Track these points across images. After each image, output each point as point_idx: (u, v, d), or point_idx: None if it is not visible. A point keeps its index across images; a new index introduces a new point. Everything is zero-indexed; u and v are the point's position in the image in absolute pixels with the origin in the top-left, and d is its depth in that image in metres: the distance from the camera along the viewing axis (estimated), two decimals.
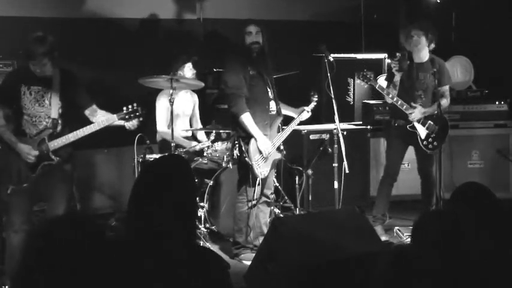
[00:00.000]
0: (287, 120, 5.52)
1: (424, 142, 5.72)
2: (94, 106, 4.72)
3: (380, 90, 5.70)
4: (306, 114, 5.56)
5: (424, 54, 5.71)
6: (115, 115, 4.62)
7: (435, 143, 5.70)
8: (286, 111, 5.52)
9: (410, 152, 5.94)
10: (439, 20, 7.59)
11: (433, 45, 5.71)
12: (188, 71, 6.13)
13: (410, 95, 5.72)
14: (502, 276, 2.19)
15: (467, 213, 2.30)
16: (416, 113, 5.64)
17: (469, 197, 2.58)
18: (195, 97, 6.54)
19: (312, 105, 5.61)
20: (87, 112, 4.70)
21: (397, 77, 5.67)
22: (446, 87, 5.85)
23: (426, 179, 5.89)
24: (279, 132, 5.35)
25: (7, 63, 5.81)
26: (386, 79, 5.97)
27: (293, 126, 5.50)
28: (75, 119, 4.72)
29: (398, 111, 5.73)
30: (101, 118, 4.63)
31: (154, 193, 2.16)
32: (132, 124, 4.67)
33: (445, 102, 5.78)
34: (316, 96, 5.66)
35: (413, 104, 5.65)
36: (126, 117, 4.62)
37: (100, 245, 1.85)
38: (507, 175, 7.22)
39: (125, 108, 4.63)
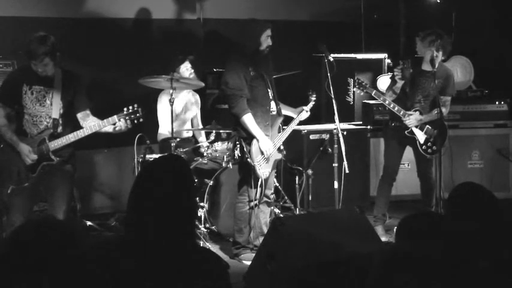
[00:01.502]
0: (286, 120, 5.53)
1: (423, 147, 5.72)
2: (88, 111, 4.71)
3: (376, 97, 5.70)
4: (305, 114, 5.55)
5: (435, 64, 5.64)
6: (115, 116, 4.62)
7: (434, 148, 5.70)
8: (285, 111, 5.52)
9: (410, 152, 5.94)
10: (439, 20, 7.59)
11: (443, 57, 5.74)
12: (185, 71, 6.11)
13: (411, 98, 5.71)
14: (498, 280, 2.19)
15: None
16: (412, 119, 5.64)
17: (466, 197, 2.57)
18: (197, 97, 6.54)
19: (311, 104, 5.60)
20: (79, 115, 4.69)
21: (399, 84, 5.66)
22: (449, 98, 5.84)
23: (425, 181, 5.88)
24: (279, 132, 5.35)
25: (7, 63, 5.81)
26: (390, 78, 5.93)
27: (293, 126, 5.50)
28: (75, 119, 4.73)
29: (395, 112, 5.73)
30: (90, 123, 4.60)
31: (153, 193, 2.16)
32: (121, 126, 4.63)
33: (444, 111, 5.76)
34: (315, 95, 5.65)
35: (410, 112, 5.65)
36: (127, 118, 4.61)
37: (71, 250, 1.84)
38: (507, 175, 7.22)
39: (125, 108, 4.63)
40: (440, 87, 5.68)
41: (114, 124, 4.60)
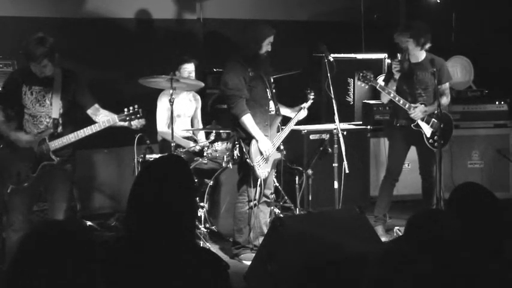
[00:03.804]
0: (285, 120, 5.52)
1: (430, 140, 5.72)
2: (96, 105, 4.71)
3: (381, 90, 5.70)
4: (303, 113, 5.54)
5: (418, 54, 5.70)
6: (116, 116, 4.62)
7: (441, 141, 5.69)
8: (283, 111, 5.51)
9: (411, 152, 5.94)
10: (439, 20, 7.59)
11: (428, 45, 5.70)
12: (185, 73, 6.09)
13: (411, 93, 5.72)
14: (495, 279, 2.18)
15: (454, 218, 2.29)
16: (417, 112, 5.64)
17: (467, 198, 2.57)
18: (198, 98, 6.53)
19: (309, 102, 5.60)
20: (89, 111, 4.69)
21: (397, 76, 5.71)
22: (447, 85, 5.85)
23: (427, 179, 5.88)
24: (278, 132, 5.35)
25: (7, 63, 5.80)
26: (384, 79, 5.99)
27: (291, 125, 5.49)
28: (76, 119, 4.72)
29: (400, 111, 5.73)
30: (103, 118, 4.61)
31: (153, 193, 2.16)
32: (136, 123, 4.65)
33: (445, 100, 5.78)
34: (313, 93, 5.65)
35: (414, 105, 5.65)
36: (127, 118, 4.61)
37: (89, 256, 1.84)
38: (507, 175, 7.21)
39: (126, 109, 4.63)
40: (437, 78, 5.66)
41: (124, 122, 4.61)
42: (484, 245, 2.31)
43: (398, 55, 5.81)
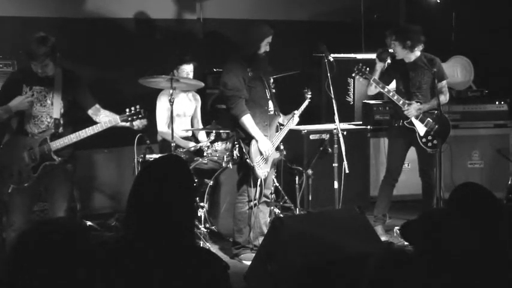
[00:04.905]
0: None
1: (423, 140, 5.71)
2: (97, 106, 4.71)
3: (375, 84, 5.71)
4: (295, 120, 5.52)
5: (410, 55, 5.70)
6: (118, 116, 4.61)
7: (435, 142, 5.69)
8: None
9: (411, 152, 5.94)
10: (439, 20, 7.59)
11: (419, 47, 5.70)
12: (183, 74, 6.09)
13: (407, 93, 5.73)
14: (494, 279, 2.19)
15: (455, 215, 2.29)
16: (411, 109, 5.65)
17: (467, 198, 2.57)
18: (198, 97, 6.54)
19: (304, 105, 5.59)
20: (90, 112, 4.70)
21: (378, 67, 5.73)
22: (443, 83, 5.84)
23: (426, 181, 5.88)
24: (277, 131, 5.36)
25: (7, 63, 5.81)
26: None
27: (290, 125, 5.48)
28: (77, 120, 4.72)
29: (398, 111, 5.74)
30: (104, 119, 4.61)
31: (153, 193, 2.16)
32: (138, 124, 4.65)
33: (443, 98, 5.77)
34: (310, 93, 5.65)
35: (409, 102, 5.66)
36: (129, 119, 4.61)
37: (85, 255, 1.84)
38: (507, 175, 7.21)
39: (127, 110, 4.63)
40: (436, 78, 5.67)
41: (125, 123, 4.61)
42: (484, 245, 2.31)
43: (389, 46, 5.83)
